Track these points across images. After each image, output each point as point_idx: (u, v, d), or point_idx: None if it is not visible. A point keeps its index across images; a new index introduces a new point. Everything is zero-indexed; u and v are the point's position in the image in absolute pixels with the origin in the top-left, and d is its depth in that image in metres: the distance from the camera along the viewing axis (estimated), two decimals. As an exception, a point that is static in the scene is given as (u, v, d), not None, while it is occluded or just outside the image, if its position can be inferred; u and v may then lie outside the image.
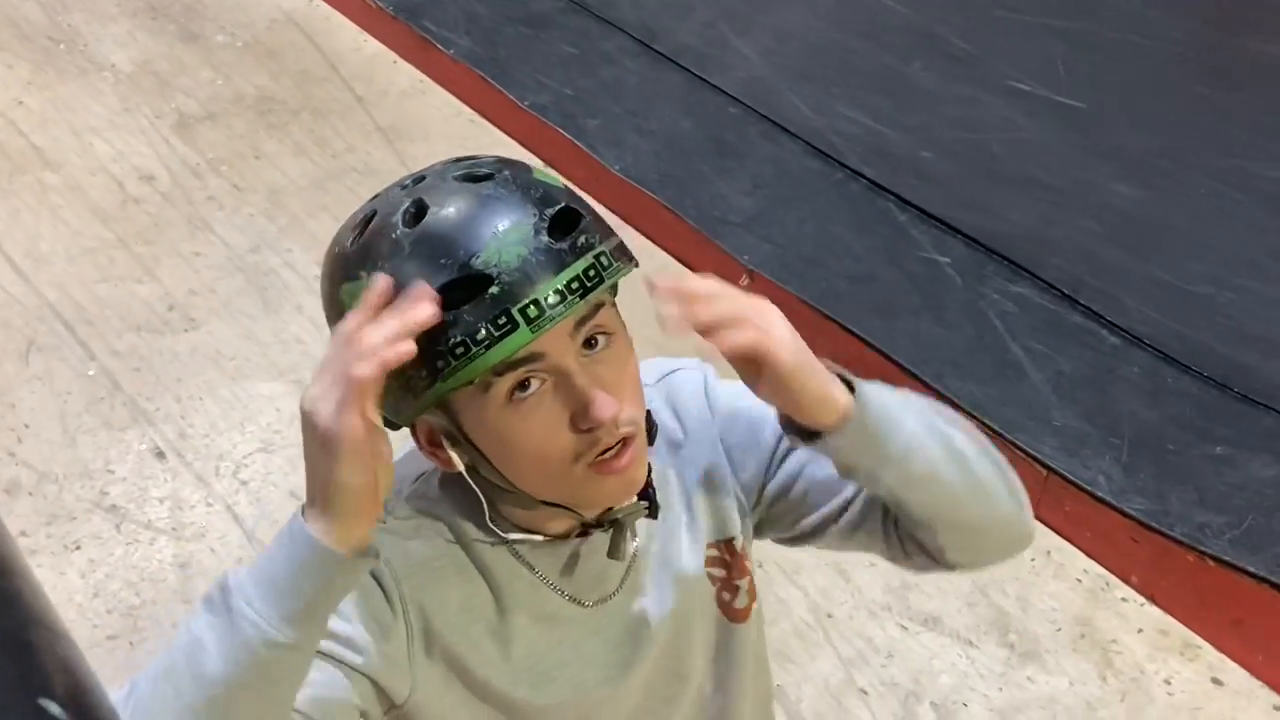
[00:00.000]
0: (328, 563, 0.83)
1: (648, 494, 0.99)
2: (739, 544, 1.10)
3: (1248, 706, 2.21)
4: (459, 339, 0.84)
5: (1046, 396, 2.58)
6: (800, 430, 0.94)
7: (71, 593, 2.25)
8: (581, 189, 3.51)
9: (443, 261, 0.84)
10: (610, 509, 0.97)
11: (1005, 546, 1.11)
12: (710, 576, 1.08)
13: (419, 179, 0.91)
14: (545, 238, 0.86)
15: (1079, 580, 2.41)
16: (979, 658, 2.26)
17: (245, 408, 2.67)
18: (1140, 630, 2.32)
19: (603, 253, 0.88)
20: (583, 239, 0.87)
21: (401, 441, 0.93)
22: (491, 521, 0.96)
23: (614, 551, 0.98)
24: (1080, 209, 3.09)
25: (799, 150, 3.29)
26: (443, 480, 0.99)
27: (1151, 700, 2.21)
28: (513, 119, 3.52)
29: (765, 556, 2.23)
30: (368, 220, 0.90)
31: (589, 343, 0.89)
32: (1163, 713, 2.20)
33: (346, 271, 0.90)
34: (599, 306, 0.89)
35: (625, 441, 0.90)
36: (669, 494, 1.06)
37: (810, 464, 1.06)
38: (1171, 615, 2.35)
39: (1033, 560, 2.44)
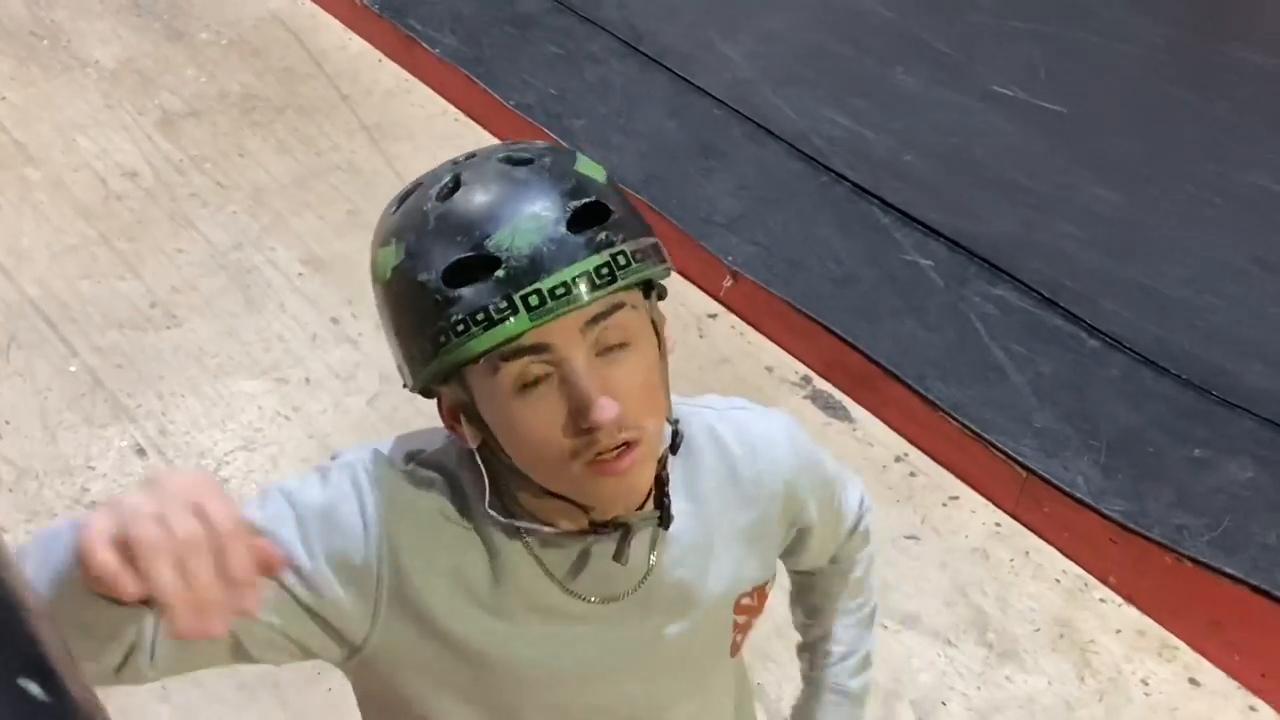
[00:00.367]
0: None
1: (662, 503, 0.98)
2: (769, 585, 1.11)
3: (1224, 706, 2.23)
4: (460, 316, 0.85)
5: (1026, 398, 2.59)
6: None
7: (51, 589, 2.24)
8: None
9: (459, 239, 0.86)
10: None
11: None
12: (736, 623, 1.09)
13: (470, 155, 0.93)
14: (563, 229, 0.85)
15: (1058, 581, 2.43)
16: (958, 657, 2.28)
17: (227, 405, 2.67)
18: (1118, 630, 2.34)
19: (622, 252, 0.87)
20: (603, 235, 0.86)
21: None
22: (496, 505, 0.96)
23: (619, 555, 0.98)
24: (1061, 213, 3.11)
25: (783, 152, 3.30)
26: (469, 453, 0.98)
27: (1129, 700, 2.23)
28: (498, 118, 3.52)
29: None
30: (413, 190, 0.91)
31: (608, 343, 0.88)
32: (1140, 713, 2.21)
33: (382, 236, 0.91)
34: (618, 306, 0.88)
35: (628, 445, 0.89)
36: (711, 526, 1.05)
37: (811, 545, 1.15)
38: (1149, 616, 2.37)
39: (1012, 561, 2.45)
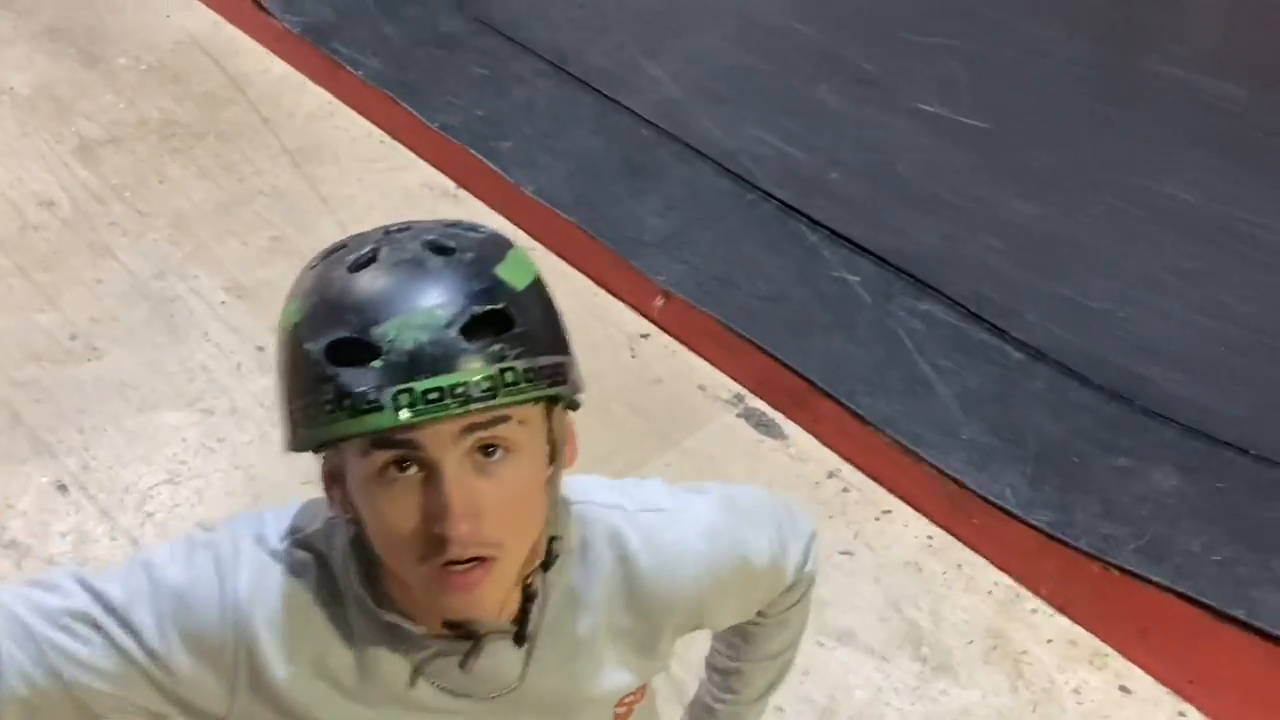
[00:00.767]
0: None
1: (524, 619, 0.96)
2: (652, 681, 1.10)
3: (1154, 713, 2.26)
4: (331, 396, 0.83)
5: (954, 412, 2.62)
6: None
7: (-31, 633, 2.17)
8: (494, 211, 3.48)
9: (350, 317, 0.84)
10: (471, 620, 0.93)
11: None
12: (616, 713, 1.07)
13: (404, 228, 0.91)
14: (453, 333, 0.83)
15: (990, 592, 2.45)
16: (893, 672, 2.29)
17: (151, 438, 2.62)
18: (1050, 640, 2.37)
19: (512, 368, 0.84)
20: (497, 347, 0.84)
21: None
22: (365, 593, 0.94)
23: (464, 665, 0.96)
24: (984, 227, 3.15)
25: (711, 171, 3.31)
26: (345, 536, 0.97)
27: (1063, 710, 2.25)
28: (424, 140, 3.50)
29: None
30: (338, 248, 0.90)
31: (487, 450, 0.86)
32: (1072, 721, 2.24)
33: (294, 290, 0.90)
34: (501, 420, 0.85)
35: (481, 561, 0.86)
36: (597, 633, 1.02)
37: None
38: (1080, 625, 2.39)
39: (944, 573, 2.47)
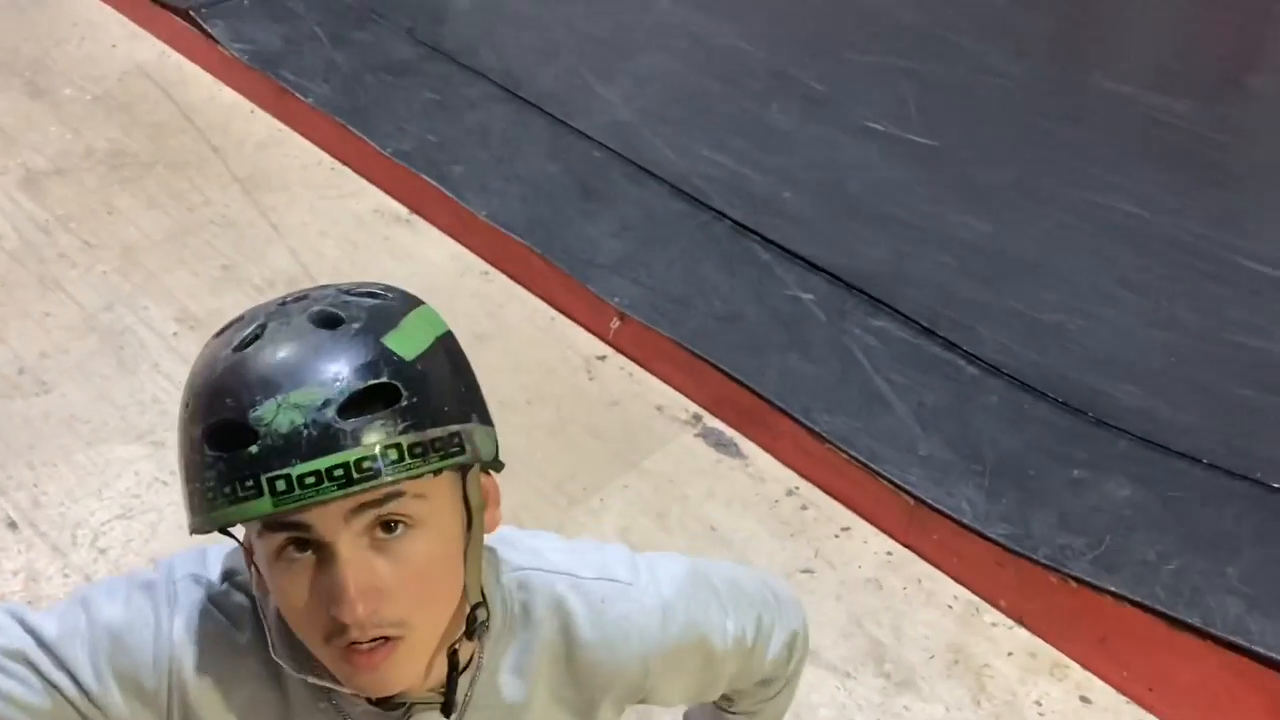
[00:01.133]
0: None
1: (450, 689, 0.94)
2: None
3: (1114, 722, 2.28)
4: (213, 483, 0.81)
5: (911, 427, 2.64)
6: None
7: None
8: (449, 236, 3.46)
9: (229, 400, 0.82)
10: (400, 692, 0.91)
11: None
12: None
13: (300, 297, 0.88)
14: (330, 413, 0.80)
15: (950, 606, 2.46)
16: (856, 689, 2.29)
17: (102, 473, 2.58)
18: (1011, 653, 2.38)
19: (396, 445, 0.81)
20: (379, 424, 0.81)
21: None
22: (286, 654, 0.92)
23: None
24: (935, 243, 3.18)
25: (664, 193, 3.32)
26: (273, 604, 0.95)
27: (1023, 721, 2.26)
28: (376, 167, 3.49)
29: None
30: (234, 323, 0.88)
31: (387, 525, 0.83)
32: (1034, 733, 2.25)
33: (192, 367, 0.88)
34: (394, 495, 0.82)
35: (387, 639, 0.84)
36: (534, 700, 1.00)
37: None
38: (1040, 637, 2.41)
39: (905, 589, 2.48)
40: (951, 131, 3.66)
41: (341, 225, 3.34)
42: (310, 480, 0.79)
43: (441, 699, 0.95)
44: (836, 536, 2.58)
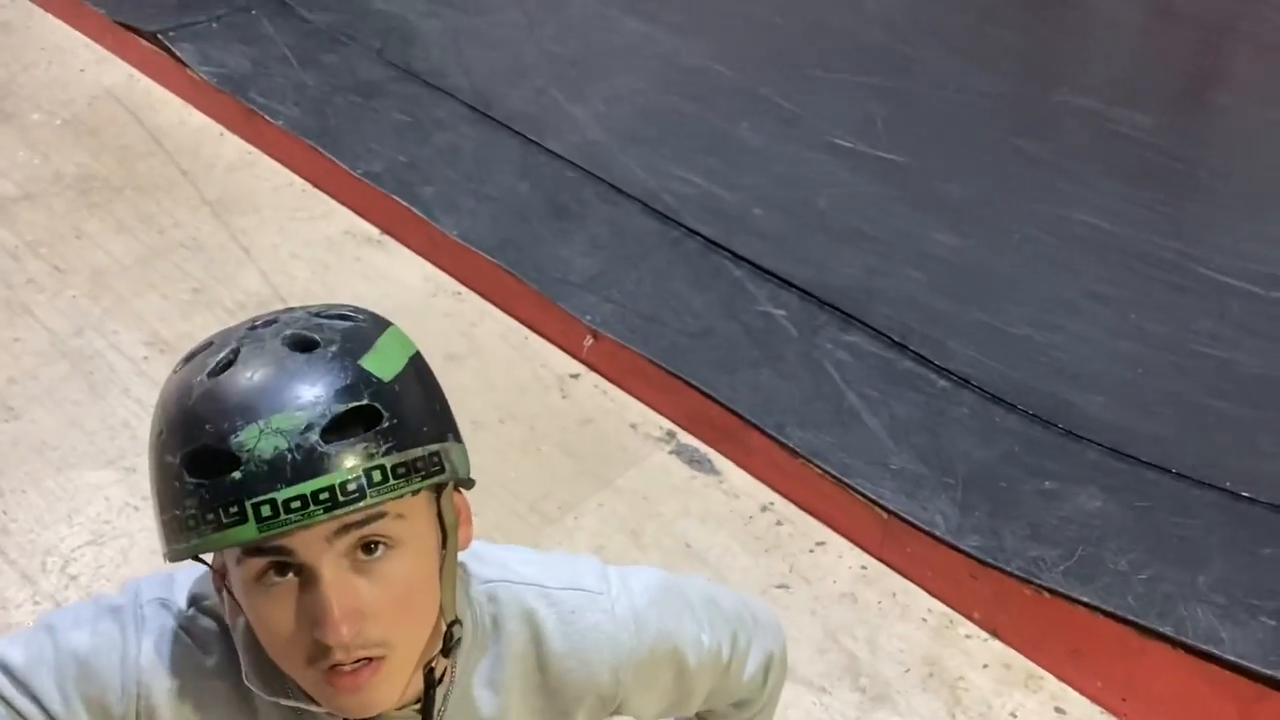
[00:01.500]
0: None
1: (428, 705, 0.94)
2: None
3: (1089, 732, 2.29)
4: (192, 510, 0.81)
5: (883, 441, 2.65)
6: None
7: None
8: (420, 256, 3.46)
9: (208, 427, 0.81)
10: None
11: None
12: None
13: (270, 321, 0.87)
14: (314, 436, 0.80)
15: (924, 620, 2.47)
16: (833, 704, 2.29)
17: (72, 499, 2.56)
18: (985, 665, 2.39)
19: (379, 467, 0.81)
20: (362, 446, 0.81)
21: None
22: (260, 677, 0.92)
23: None
24: (904, 259, 3.20)
25: (635, 211, 3.33)
26: (242, 627, 0.95)
27: (999, 733, 2.27)
28: (347, 188, 3.48)
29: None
30: (202, 349, 0.87)
31: (367, 547, 0.84)
32: (1010, 744, 2.26)
33: (161, 395, 0.88)
34: (376, 516, 0.83)
35: (370, 660, 0.85)
36: (507, 712, 1.01)
37: None
38: (1014, 648, 2.42)
39: (879, 603, 2.49)
40: (919, 148, 3.69)
41: (313, 247, 3.34)
42: (296, 505, 0.79)
43: (416, 716, 0.95)
44: (811, 551, 2.59)
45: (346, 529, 0.82)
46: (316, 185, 3.57)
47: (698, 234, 3.24)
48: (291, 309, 0.90)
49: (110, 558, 2.44)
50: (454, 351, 2.97)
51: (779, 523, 2.65)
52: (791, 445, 2.65)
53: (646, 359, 2.88)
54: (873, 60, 4.19)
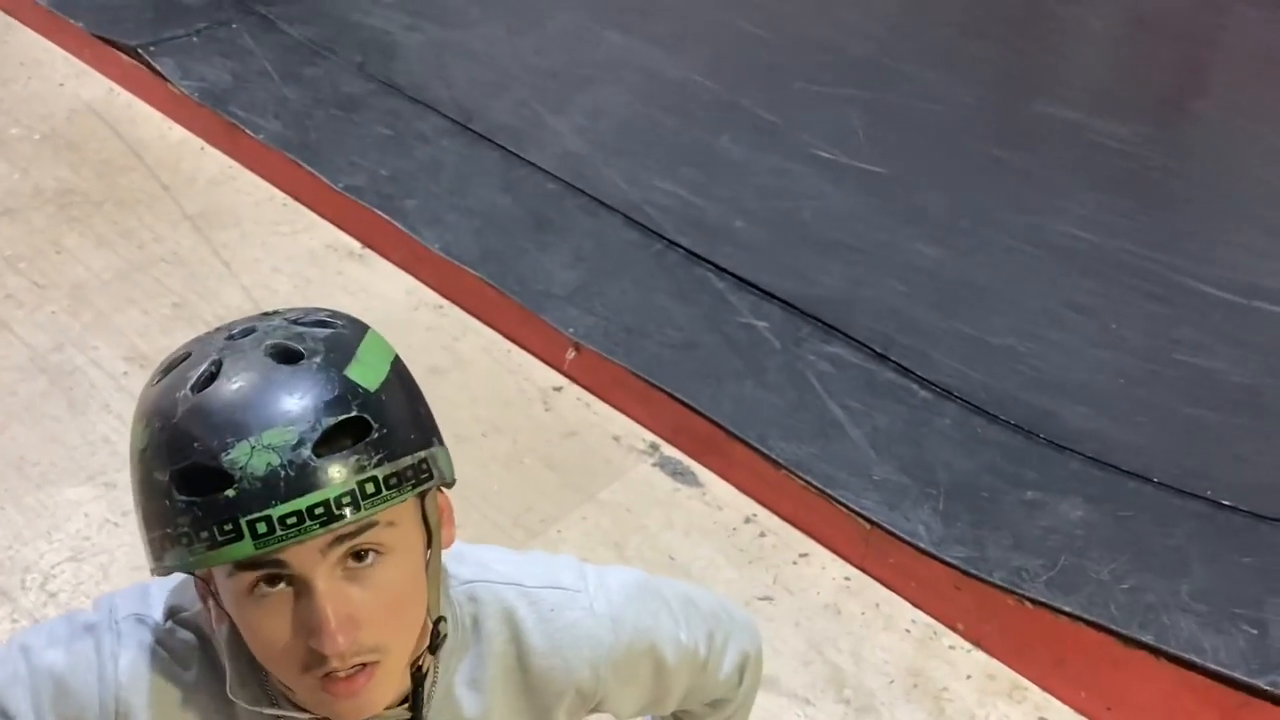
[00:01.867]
0: None
1: (417, 704, 0.95)
2: None
3: (1073, 741, 2.29)
4: (185, 529, 0.80)
5: (865, 452, 2.65)
6: None
7: None
8: (402, 270, 3.45)
9: (197, 444, 0.81)
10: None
11: None
12: None
13: (247, 331, 0.87)
14: (306, 451, 0.80)
15: (908, 631, 2.47)
16: (817, 716, 2.29)
17: (52, 515, 2.54)
18: (969, 676, 2.39)
19: (372, 479, 0.81)
20: (354, 459, 0.81)
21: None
22: (246, 687, 0.91)
23: None
24: (886, 270, 3.21)
25: (617, 223, 3.33)
26: (227, 634, 0.94)
27: (983, 743, 2.27)
28: (328, 202, 3.48)
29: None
30: (179, 361, 0.86)
31: (359, 555, 0.84)
32: (995, 755, 2.26)
33: (139, 410, 0.87)
34: (368, 526, 0.83)
35: (365, 666, 0.85)
36: (490, 712, 1.01)
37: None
38: (997, 659, 2.42)
39: (863, 614, 2.49)
40: (900, 159, 3.71)
41: (294, 261, 3.33)
42: (291, 520, 0.79)
43: (404, 714, 0.95)
44: (794, 563, 2.59)
45: (340, 540, 0.82)
46: (298, 199, 3.56)
47: (680, 246, 3.24)
48: (267, 315, 0.90)
49: (90, 574, 2.42)
50: (437, 365, 2.96)
51: (762, 534, 2.64)
52: (774, 457, 2.65)
53: (629, 371, 2.88)
54: (854, 72, 4.21)
